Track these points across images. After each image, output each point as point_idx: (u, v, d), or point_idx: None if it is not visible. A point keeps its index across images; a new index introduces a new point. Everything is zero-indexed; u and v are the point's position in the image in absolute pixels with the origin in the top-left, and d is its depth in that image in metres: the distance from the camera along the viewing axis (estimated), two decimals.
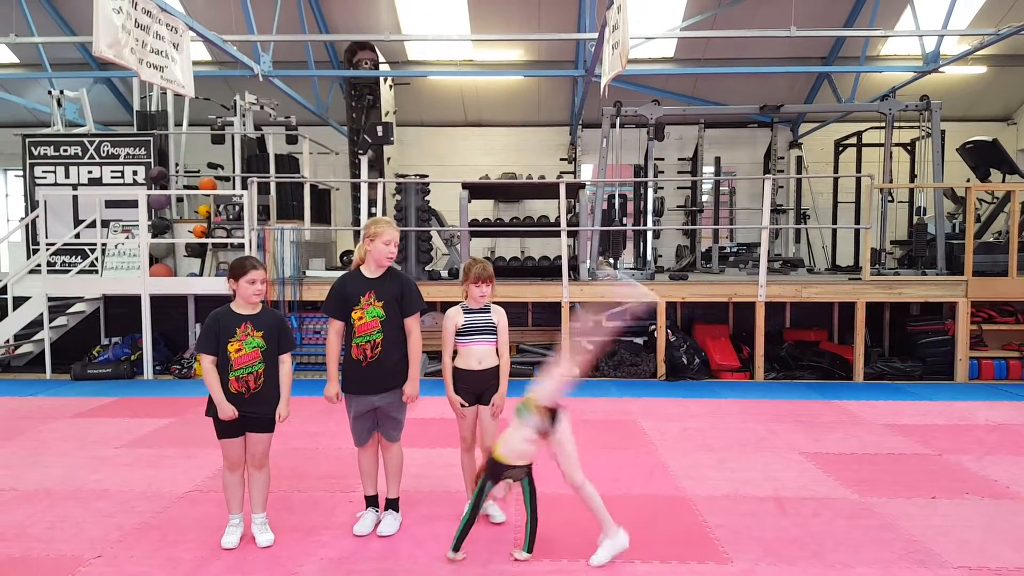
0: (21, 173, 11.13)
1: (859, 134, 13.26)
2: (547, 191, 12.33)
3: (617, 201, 11.55)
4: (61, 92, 11.71)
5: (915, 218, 11.38)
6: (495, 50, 14.37)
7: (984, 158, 10.98)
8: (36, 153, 10.85)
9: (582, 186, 10.22)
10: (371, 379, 3.95)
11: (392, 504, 4.22)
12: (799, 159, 14.73)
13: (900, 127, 11.92)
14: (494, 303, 4.22)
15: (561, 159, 15.56)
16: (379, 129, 9.97)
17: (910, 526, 4.24)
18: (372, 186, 10.11)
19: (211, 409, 3.84)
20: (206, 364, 3.79)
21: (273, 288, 9.07)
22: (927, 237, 10.73)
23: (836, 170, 13.77)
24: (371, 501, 4.24)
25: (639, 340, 9.69)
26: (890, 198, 11.93)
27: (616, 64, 6.16)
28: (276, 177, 10.69)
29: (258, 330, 3.84)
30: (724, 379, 9.00)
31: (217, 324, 3.82)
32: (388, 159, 12.19)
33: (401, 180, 10.49)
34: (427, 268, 9.91)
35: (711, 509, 4.50)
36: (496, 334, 4.13)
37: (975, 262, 9.02)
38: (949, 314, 9.23)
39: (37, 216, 9.90)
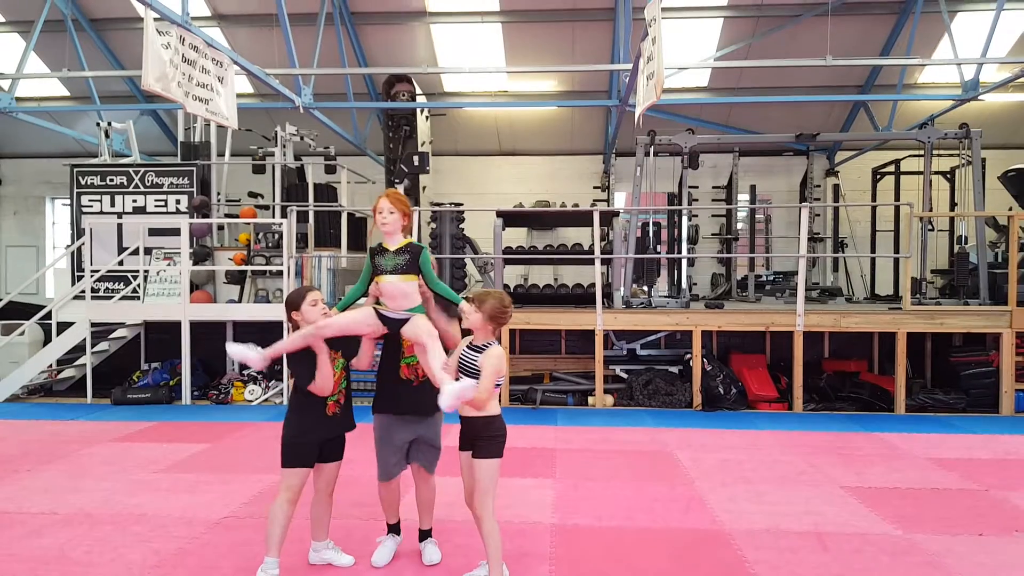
0: (69, 202, 11.46)
1: (897, 162, 13.10)
2: (581, 219, 12.37)
3: (651, 229, 11.53)
4: (109, 124, 12.06)
5: (956, 247, 11.17)
6: (529, 81, 14.52)
7: None
8: (83, 182, 11.16)
9: (616, 214, 10.23)
10: (420, 398, 3.84)
11: (427, 534, 4.19)
12: (836, 187, 14.58)
13: (939, 155, 11.76)
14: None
15: (595, 187, 15.60)
16: (416, 159, 10.11)
17: (956, 564, 4.12)
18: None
19: (295, 432, 3.76)
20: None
21: None
22: (969, 266, 10.52)
23: (874, 198, 13.60)
24: (393, 528, 4.19)
25: (674, 369, 9.60)
26: (930, 227, 11.74)
27: (651, 94, 6.19)
28: (315, 206, 10.86)
29: (337, 350, 3.82)
30: (761, 410, 8.86)
31: (306, 357, 3.73)
32: (424, 188, 12.32)
33: (436, 208, 10.62)
34: (461, 295, 9.94)
35: (750, 543, 4.41)
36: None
37: (1019, 292, 8.81)
38: (993, 345, 9.01)
39: (83, 243, 10.17)
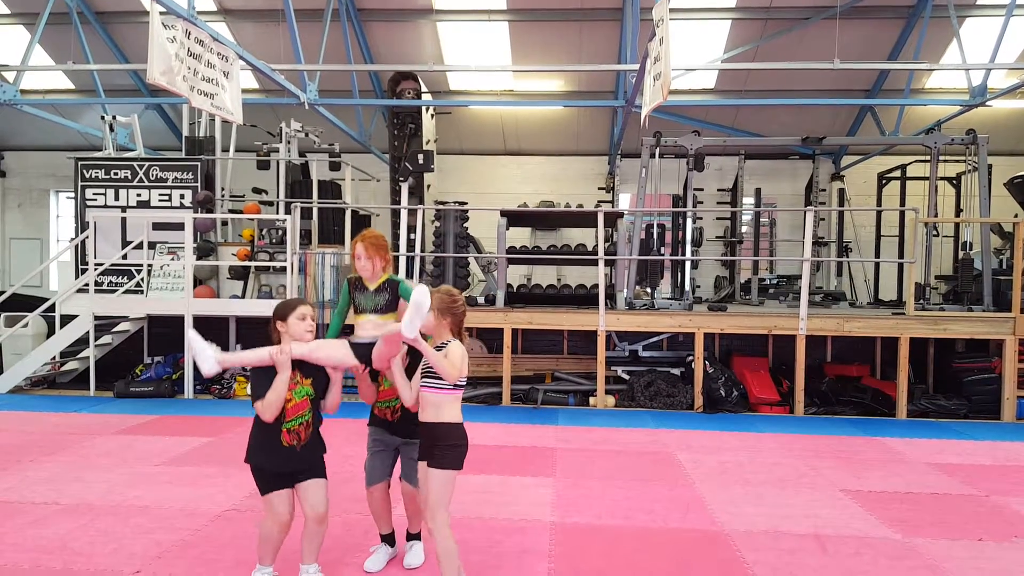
0: (73, 195, 11.48)
1: (903, 167, 13.07)
2: (585, 220, 12.37)
3: (655, 231, 11.53)
4: (114, 117, 12.10)
5: (961, 253, 11.15)
6: (535, 80, 14.52)
7: None
8: (88, 176, 11.18)
9: (620, 215, 10.22)
10: (399, 431, 3.84)
11: (416, 536, 4.11)
12: (841, 191, 14.57)
13: (945, 160, 11.73)
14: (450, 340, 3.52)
15: (599, 188, 15.59)
16: (420, 157, 10.12)
17: (955, 569, 4.12)
18: (412, 212, 10.24)
19: (253, 458, 3.54)
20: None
21: (315, 312, 9.18)
22: (973, 273, 10.51)
23: (879, 203, 13.57)
24: (386, 539, 4.09)
25: (676, 371, 9.60)
26: (935, 232, 11.71)
27: (657, 95, 6.19)
28: (319, 203, 10.88)
29: (306, 377, 3.56)
30: (763, 413, 8.85)
31: (271, 371, 3.49)
32: (428, 186, 12.33)
33: (440, 207, 10.62)
34: (464, 294, 9.96)
35: (749, 545, 4.41)
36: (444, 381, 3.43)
37: (1023, 299, 8.81)
38: (996, 351, 8.99)
39: (87, 237, 10.20)
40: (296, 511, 3.62)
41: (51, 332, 9.89)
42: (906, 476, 6.04)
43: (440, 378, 3.41)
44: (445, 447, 3.42)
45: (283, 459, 3.51)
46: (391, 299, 3.76)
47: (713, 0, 12.40)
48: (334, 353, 3.62)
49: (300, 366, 3.55)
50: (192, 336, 3.51)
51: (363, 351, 3.64)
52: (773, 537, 4.56)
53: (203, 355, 3.44)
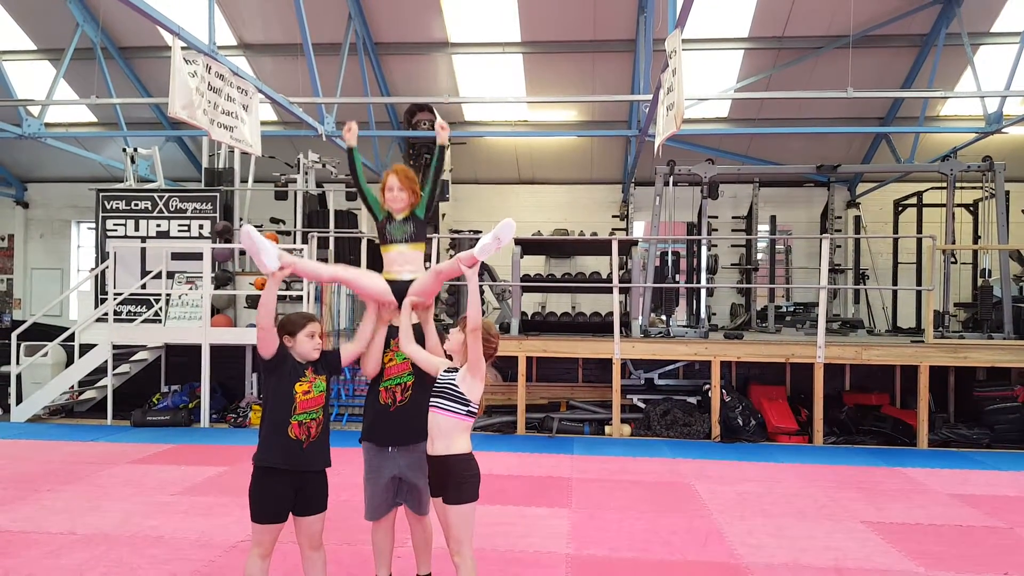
0: (94, 225, 11.65)
1: (919, 194, 13.02)
2: (599, 247, 12.39)
3: (670, 258, 11.52)
4: (135, 149, 12.29)
5: (979, 280, 11.06)
6: (550, 111, 14.64)
7: None
8: (109, 207, 11.34)
9: (634, 243, 10.23)
10: (398, 426, 3.63)
11: None
12: (857, 219, 14.51)
13: (962, 187, 11.68)
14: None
15: (613, 216, 15.62)
16: None
17: None
18: (427, 241, 10.29)
19: (260, 456, 3.46)
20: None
21: (329, 340, 9.21)
22: (993, 300, 10.41)
23: (896, 230, 13.51)
24: None
25: (693, 399, 9.53)
26: (953, 259, 11.63)
27: (671, 125, 6.23)
28: (335, 232, 10.97)
29: (319, 375, 3.50)
30: (781, 442, 8.75)
31: (287, 360, 3.45)
32: (443, 215, 12.40)
33: (455, 235, 10.67)
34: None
35: None
36: (460, 404, 3.41)
37: None
38: (1018, 380, 8.87)
39: (107, 267, 10.32)
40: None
41: (70, 361, 9.98)
42: (928, 508, 5.94)
43: (453, 399, 3.36)
44: (460, 481, 3.33)
45: (290, 454, 3.39)
46: (417, 227, 3.82)
47: (726, 30, 12.49)
48: (373, 284, 3.69)
49: (315, 365, 3.50)
50: (248, 230, 3.33)
51: (399, 287, 3.67)
52: (793, 570, 4.48)
53: (267, 251, 3.34)
